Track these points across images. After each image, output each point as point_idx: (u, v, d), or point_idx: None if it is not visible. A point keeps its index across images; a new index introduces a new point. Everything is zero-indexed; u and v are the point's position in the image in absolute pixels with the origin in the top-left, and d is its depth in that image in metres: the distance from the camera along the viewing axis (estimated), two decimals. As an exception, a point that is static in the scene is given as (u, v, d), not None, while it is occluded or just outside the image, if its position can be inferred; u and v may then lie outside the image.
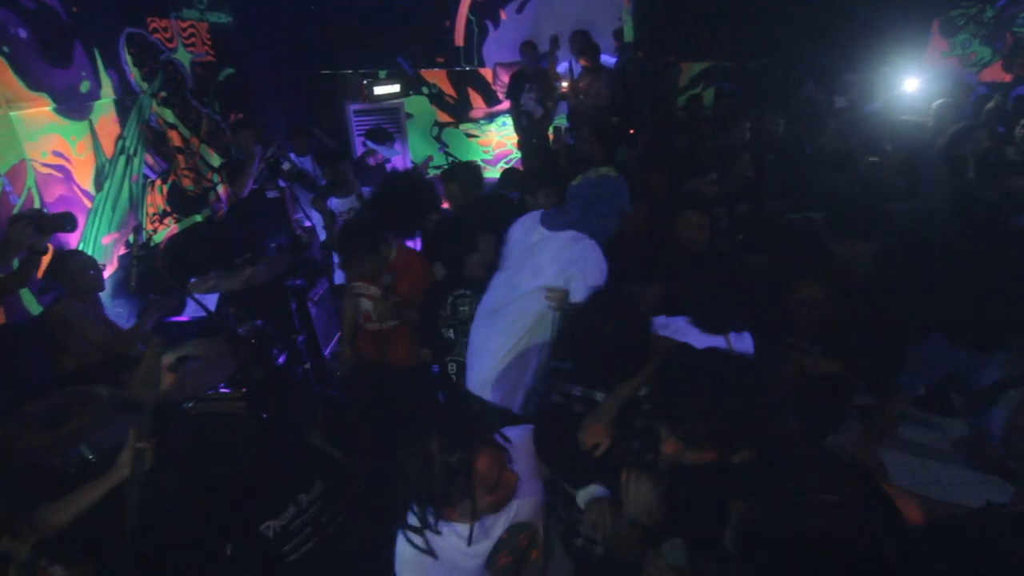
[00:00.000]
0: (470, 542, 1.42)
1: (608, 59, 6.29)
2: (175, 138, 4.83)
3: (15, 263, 2.77)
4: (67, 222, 2.69)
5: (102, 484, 1.79)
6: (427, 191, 3.39)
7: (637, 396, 1.71)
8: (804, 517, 1.03)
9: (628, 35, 6.79)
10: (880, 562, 1.03)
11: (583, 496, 1.55)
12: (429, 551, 1.41)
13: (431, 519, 1.38)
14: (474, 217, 2.89)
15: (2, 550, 1.46)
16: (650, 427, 1.63)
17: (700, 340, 1.88)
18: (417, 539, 1.40)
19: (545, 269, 2.18)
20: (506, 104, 6.71)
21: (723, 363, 1.42)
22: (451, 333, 2.58)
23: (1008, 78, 6.45)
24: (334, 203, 4.24)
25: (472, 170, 3.41)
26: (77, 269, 3.05)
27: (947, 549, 1.09)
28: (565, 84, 6.15)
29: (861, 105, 5.71)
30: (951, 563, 1.07)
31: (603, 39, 6.30)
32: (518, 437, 1.53)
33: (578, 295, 2.11)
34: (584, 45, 5.84)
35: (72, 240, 3.72)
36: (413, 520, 1.40)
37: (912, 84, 5.96)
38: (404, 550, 1.45)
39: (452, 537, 1.44)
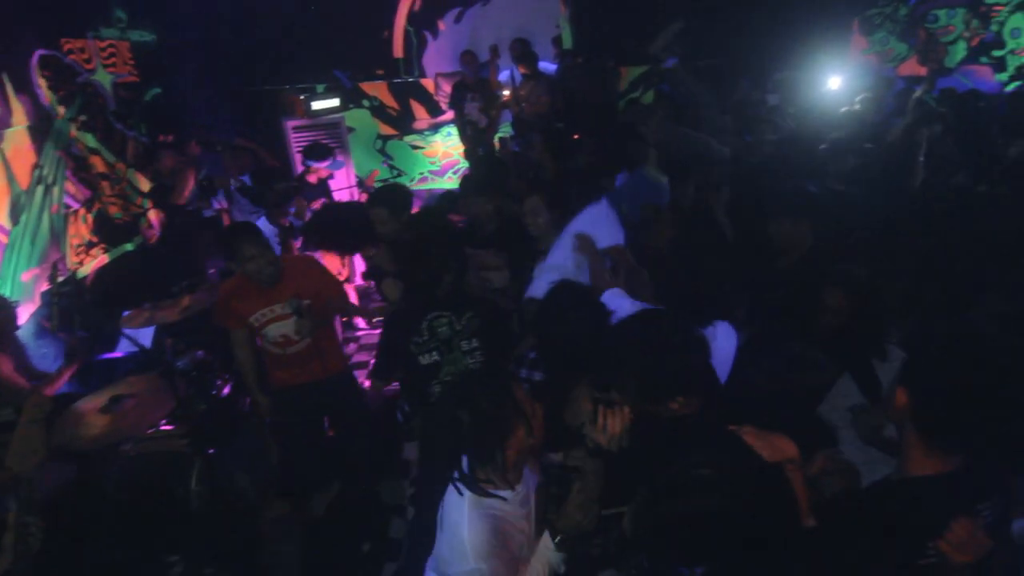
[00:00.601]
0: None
1: (548, 66, 6.34)
2: (98, 164, 4.56)
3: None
4: None
5: None
6: (358, 220, 3.25)
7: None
8: (681, 496, 1.11)
9: (567, 42, 6.86)
10: (763, 531, 1.09)
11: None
12: (492, 493, 1.48)
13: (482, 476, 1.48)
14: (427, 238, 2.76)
15: None
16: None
17: None
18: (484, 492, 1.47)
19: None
20: (450, 114, 6.67)
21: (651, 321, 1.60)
22: (434, 356, 2.38)
23: (923, 71, 6.85)
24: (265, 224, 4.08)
25: (398, 192, 3.20)
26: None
27: (842, 518, 1.20)
28: (507, 92, 6.15)
29: (792, 103, 5.93)
30: (845, 530, 1.17)
31: (542, 46, 6.35)
32: None
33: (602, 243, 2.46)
34: (523, 53, 5.87)
35: (-14, 278, 3.45)
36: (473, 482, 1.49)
37: (835, 82, 6.23)
38: (476, 531, 1.46)
39: (508, 506, 1.52)
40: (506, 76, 6.27)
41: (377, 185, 6.38)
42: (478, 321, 2.36)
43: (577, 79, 6.08)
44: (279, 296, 2.76)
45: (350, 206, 3.74)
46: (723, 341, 1.81)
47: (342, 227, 3.13)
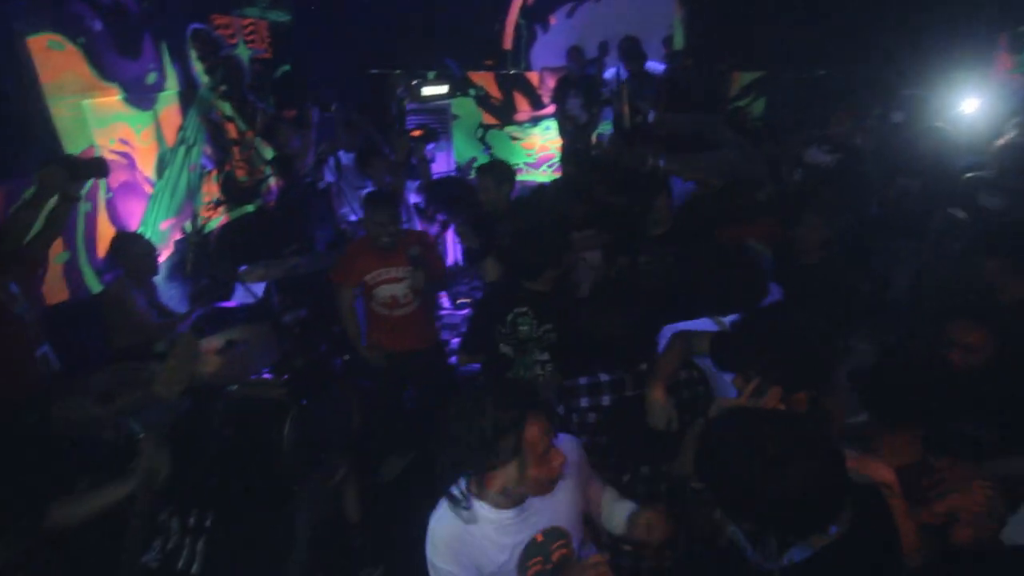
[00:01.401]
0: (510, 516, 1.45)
1: (657, 66, 6.24)
2: (231, 130, 5.02)
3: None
4: (99, 168, 2.67)
5: (115, 492, 1.66)
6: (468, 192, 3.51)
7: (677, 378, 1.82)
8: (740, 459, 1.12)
9: (678, 43, 6.72)
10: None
11: (620, 510, 1.59)
12: (469, 517, 1.40)
13: (472, 487, 1.41)
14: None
15: None
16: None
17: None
18: (458, 508, 1.41)
19: None
20: (551, 108, 6.72)
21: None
22: (509, 350, 2.43)
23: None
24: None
25: (504, 166, 3.54)
26: (137, 252, 3.18)
27: None
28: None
29: (918, 122, 5.50)
30: None
31: (653, 46, 6.25)
32: (562, 443, 1.50)
33: None
34: (631, 50, 5.80)
35: (133, 224, 3.90)
36: (455, 491, 1.43)
37: (972, 103, 5.70)
38: (438, 529, 1.45)
39: (487, 525, 1.42)
40: (612, 74, 6.23)
41: (474, 172, 6.57)
42: (554, 336, 2.32)
43: (686, 82, 5.95)
44: (395, 261, 3.07)
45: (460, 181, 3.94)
46: None
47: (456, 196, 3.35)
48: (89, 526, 1.67)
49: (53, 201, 2.59)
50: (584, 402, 1.88)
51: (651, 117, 5.82)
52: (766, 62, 6.72)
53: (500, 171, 3.42)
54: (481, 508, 1.43)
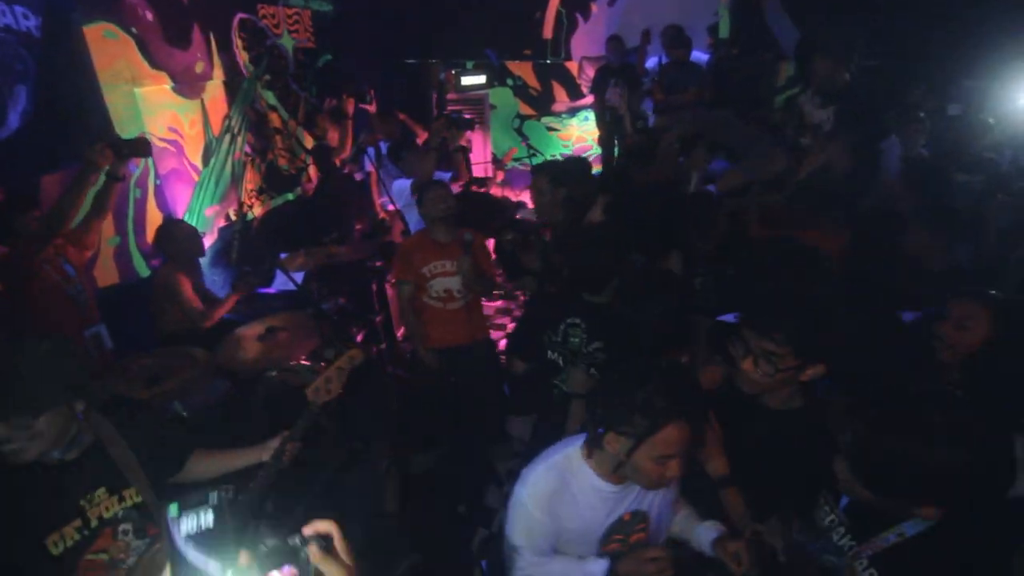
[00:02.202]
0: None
1: (701, 56, 6.07)
2: (275, 120, 5.10)
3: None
4: (142, 147, 2.75)
5: (247, 455, 1.83)
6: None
7: None
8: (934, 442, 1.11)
9: (723, 31, 6.52)
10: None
11: (704, 533, 1.58)
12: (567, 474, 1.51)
13: (585, 450, 1.51)
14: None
15: (81, 504, 1.44)
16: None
17: None
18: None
19: None
20: (589, 99, 6.63)
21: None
22: (557, 358, 2.35)
23: None
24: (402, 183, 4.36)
25: (561, 167, 3.27)
26: (183, 238, 3.27)
27: None
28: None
29: (974, 114, 5.23)
30: None
31: (697, 36, 6.08)
32: None
33: None
34: (676, 37, 5.66)
35: (179, 210, 4.01)
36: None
37: None
38: (543, 481, 1.53)
39: (589, 491, 1.51)
40: (654, 63, 6.09)
41: (512, 163, 6.55)
42: (603, 356, 2.22)
43: (732, 71, 5.78)
44: (451, 253, 3.07)
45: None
46: None
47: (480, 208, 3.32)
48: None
49: (100, 182, 2.68)
50: None
51: (651, 121, 5.68)
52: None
53: (557, 172, 3.12)
54: (587, 473, 1.51)
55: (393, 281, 3.28)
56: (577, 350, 2.26)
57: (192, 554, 0.74)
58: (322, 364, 2.03)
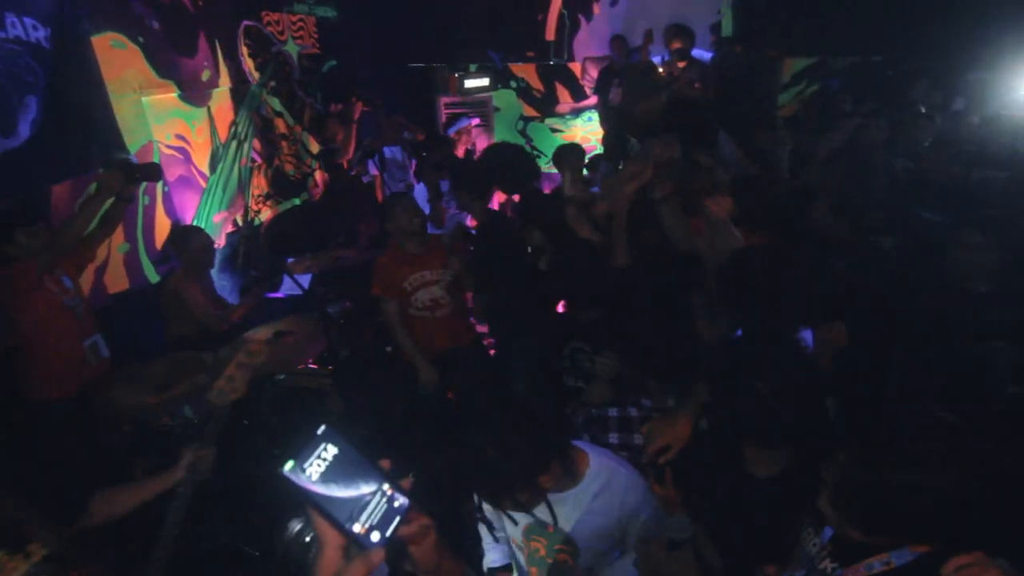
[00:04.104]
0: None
1: (704, 54, 6.06)
2: (281, 125, 5.15)
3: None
4: (153, 172, 2.85)
5: (160, 483, 1.73)
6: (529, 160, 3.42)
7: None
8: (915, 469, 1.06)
9: (726, 29, 6.51)
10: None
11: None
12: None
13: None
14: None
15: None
16: None
17: None
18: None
19: None
20: (593, 99, 6.63)
21: None
22: (575, 382, 2.20)
23: None
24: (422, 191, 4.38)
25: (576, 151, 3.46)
26: (196, 246, 3.31)
27: None
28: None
29: (979, 109, 5.19)
30: None
31: (700, 34, 6.07)
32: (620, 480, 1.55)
33: None
34: (679, 31, 5.66)
35: (187, 216, 4.06)
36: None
37: None
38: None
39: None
40: (657, 62, 6.09)
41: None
42: (614, 366, 2.05)
43: (735, 68, 5.76)
44: (429, 263, 3.04)
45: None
46: None
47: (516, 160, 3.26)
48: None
49: (110, 201, 2.73)
50: (614, 439, 1.76)
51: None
52: (819, 48, 6.45)
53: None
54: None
55: (373, 294, 3.17)
56: (590, 374, 2.12)
57: (332, 490, 0.73)
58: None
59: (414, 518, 0.78)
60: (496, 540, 1.79)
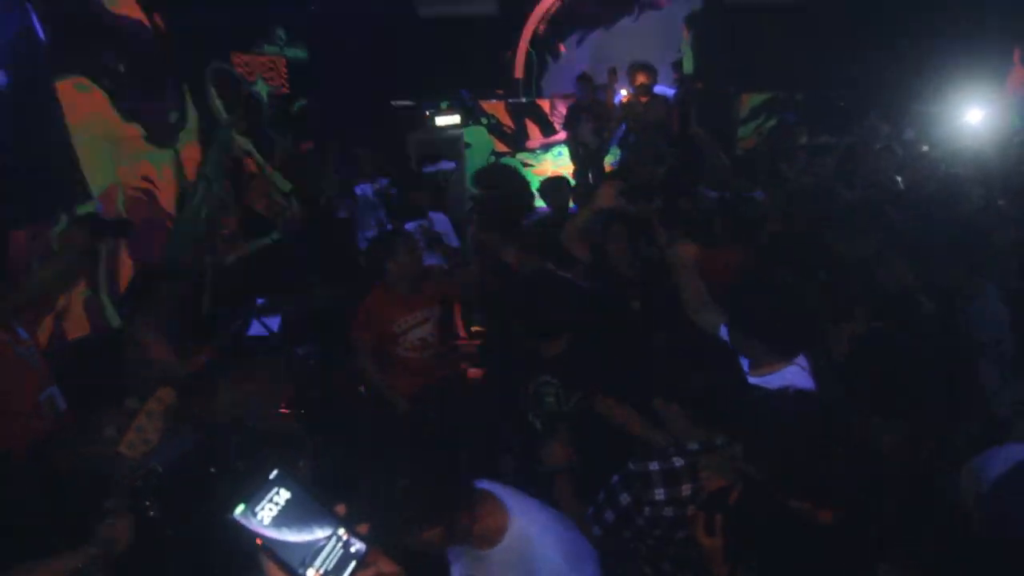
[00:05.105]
0: None
1: (667, 90, 6.29)
2: (250, 164, 5.13)
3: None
4: (122, 228, 2.81)
5: (66, 562, 1.53)
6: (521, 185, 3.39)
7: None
8: None
9: (687, 66, 6.79)
10: None
11: None
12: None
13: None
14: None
15: None
16: None
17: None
18: None
19: None
20: (562, 135, 6.80)
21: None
22: (535, 421, 2.08)
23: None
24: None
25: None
26: (163, 292, 3.24)
27: None
28: (624, 94, 6.15)
29: (928, 138, 5.48)
30: None
31: (662, 72, 6.32)
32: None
33: None
34: (643, 66, 5.87)
35: (152, 259, 3.98)
36: None
37: (976, 115, 5.67)
38: None
39: None
40: (620, 99, 6.30)
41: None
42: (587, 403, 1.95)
43: (697, 104, 5.99)
44: (418, 303, 2.96)
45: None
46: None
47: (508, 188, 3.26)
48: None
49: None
50: (660, 494, 1.59)
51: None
52: (774, 84, 6.75)
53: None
54: None
55: (349, 334, 3.09)
56: (555, 411, 2.01)
57: (285, 534, 0.71)
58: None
59: (374, 562, 0.76)
60: None
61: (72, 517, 2.40)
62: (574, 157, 6.43)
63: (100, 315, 3.59)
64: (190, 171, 4.41)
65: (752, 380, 1.79)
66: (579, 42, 7.04)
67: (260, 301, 3.72)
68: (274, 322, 3.97)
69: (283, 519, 0.72)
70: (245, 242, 4.51)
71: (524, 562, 1.36)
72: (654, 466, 1.59)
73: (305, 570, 0.71)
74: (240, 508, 0.71)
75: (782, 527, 1.32)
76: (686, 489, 1.55)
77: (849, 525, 1.27)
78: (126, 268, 3.76)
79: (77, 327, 3.42)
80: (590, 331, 2.06)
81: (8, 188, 2.94)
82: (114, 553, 1.54)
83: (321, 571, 0.72)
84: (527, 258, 2.79)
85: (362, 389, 3.76)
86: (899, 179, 4.29)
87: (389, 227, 4.45)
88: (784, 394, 1.43)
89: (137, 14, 3.95)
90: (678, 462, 1.59)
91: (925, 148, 5.25)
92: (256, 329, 3.98)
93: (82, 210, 3.32)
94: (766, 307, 1.81)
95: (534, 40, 7.06)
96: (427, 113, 6.27)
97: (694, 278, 2.24)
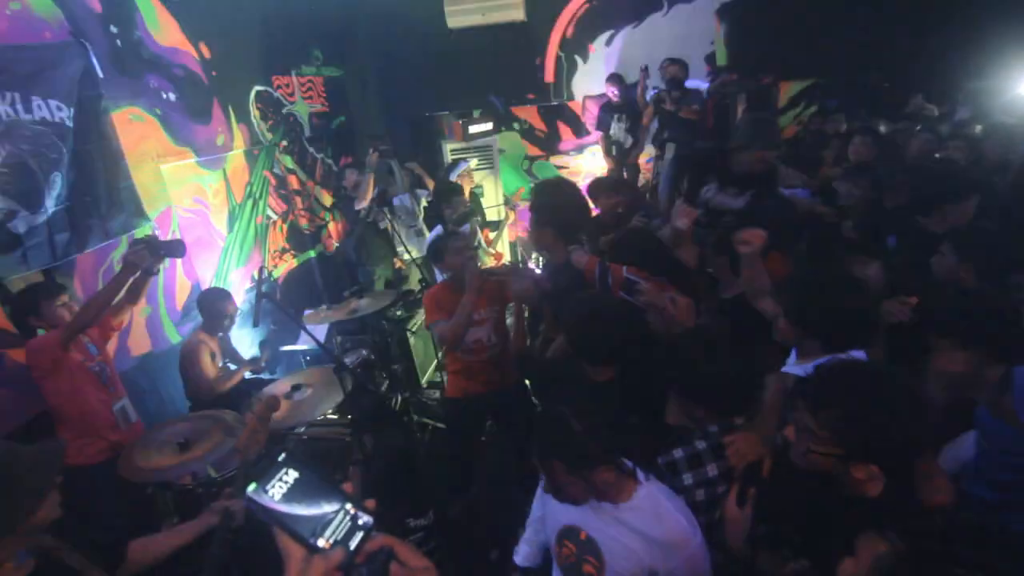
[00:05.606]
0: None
1: (701, 84, 6.18)
2: (294, 182, 5.32)
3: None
4: (177, 248, 2.94)
5: (193, 528, 1.82)
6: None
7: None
8: None
9: (720, 59, 6.65)
10: None
11: None
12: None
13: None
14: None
15: None
16: None
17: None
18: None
19: None
20: (595, 135, 6.76)
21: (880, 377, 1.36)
22: None
23: None
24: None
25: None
26: (219, 308, 3.40)
27: None
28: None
29: (983, 118, 5.19)
30: None
31: (695, 66, 6.21)
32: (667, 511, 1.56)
33: None
34: (673, 64, 5.78)
35: (207, 275, 4.17)
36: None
37: None
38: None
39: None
40: (653, 96, 6.22)
41: (524, 201, 6.68)
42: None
43: (732, 96, 5.86)
44: (479, 304, 2.92)
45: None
46: None
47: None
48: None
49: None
50: (688, 479, 1.67)
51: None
52: (811, 71, 6.54)
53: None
54: None
55: (426, 327, 3.15)
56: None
57: (296, 509, 0.76)
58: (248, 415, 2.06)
59: (403, 558, 0.80)
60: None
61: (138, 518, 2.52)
62: (608, 156, 6.39)
63: (160, 333, 3.78)
64: (237, 191, 4.60)
65: (789, 369, 1.83)
66: (608, 41, 7.00)
67: (306, 312, 3.85)
68: (321, 331, 4.09)
69: (293, 495, 0.77)
70: (291, 256, 4.67)
71: (656, 514, 1.53)
72: (678, 453, 1.69)
73: (316, 540, 0.75)
74: (252, 486, 0.77)
75: (816, 499, 1.35)
76: (711, 470, 1.65)
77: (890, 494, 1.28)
78: (183, 287, 3.95)
79: (140, 343, 3.61)
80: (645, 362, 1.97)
81: (73, 215, 3.14)
82: (231, 526, 1.74)
83: (331, 541, 0.76)
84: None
85: (405, 395, 3.83)
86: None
87: (431, 235, 4.52)
88: (840, 364, 1.43)
89: (184, 45, 4.16)
90: (700, 445, 1.68)
91: (979, 128, 4.98)
92: (304, 339, 4.12)
93: (140, 232, 3.51)
94: (819, 303, 1.78)
95: (563, 43, 7.06)
96: (460, 122, 6.34)
97: (757, 263, 2.25)
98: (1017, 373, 1.70)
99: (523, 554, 1.97)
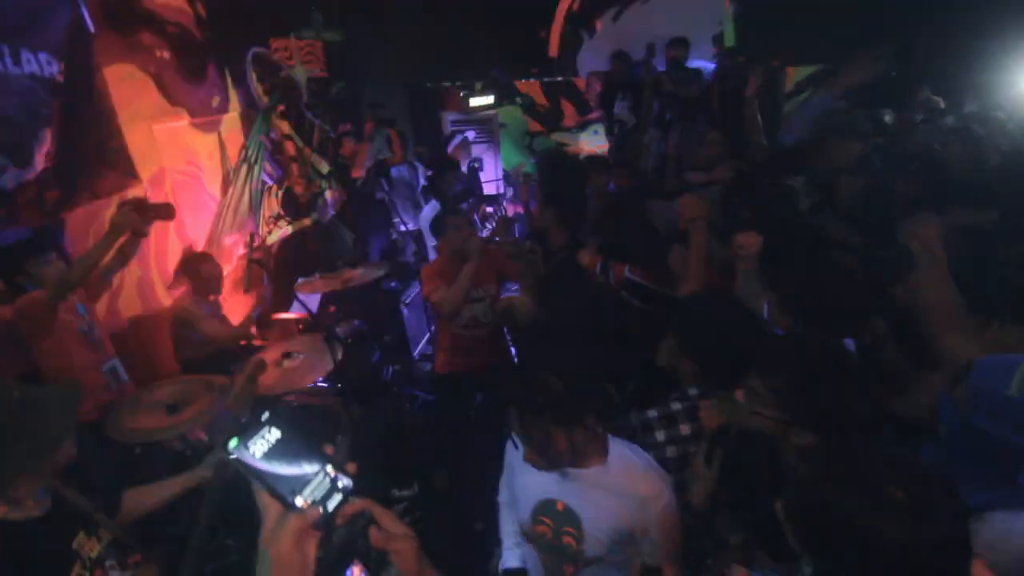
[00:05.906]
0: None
1: (706, 65, 6.08)
2: (290, 148, 5.24)
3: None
4: (166, 211, 2.95)
5: (184, 481, 1.87)
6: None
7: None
8: (874, 510, 0.95)
9: (728, 40, 6.54)
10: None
11: None
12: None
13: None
14: None
15: (74, 547, 1.47)
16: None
17: None
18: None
19: None
20: (598, 113, 6.68)
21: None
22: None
23: None
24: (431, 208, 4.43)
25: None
26: (208, 272, 3.37)
27: None
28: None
29: (991, 108, 5.14)
30: None
31: (701, 46, 6.11)
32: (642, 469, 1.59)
33: None
34: (672, 42, 5.70)
35: (199, 240, 4.13)
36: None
37: None
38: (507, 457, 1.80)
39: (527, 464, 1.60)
40: (651, 78, 6.12)
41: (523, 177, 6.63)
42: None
43: (738, 79, 5.77)
44: (475, 279, 2.95)
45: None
46: None
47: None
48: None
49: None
50: (661, 436, 1.76)
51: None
52: (820, 57, 6.45)
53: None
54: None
55: (424, 297, 3.14)
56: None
57: (276, 466, 0.77)
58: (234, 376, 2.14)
59: (358, 503, 0.81)
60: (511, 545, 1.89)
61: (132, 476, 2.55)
62: (610, 135, 6.32)
63: (151, 295, 3.76)
64: (232, 154, 4.54)
65: None
66: (615, 17, 6.86)
67: (299, 280, 3.83)
68: (313, 300, 4.08)
69: (274, 454, 0.78)
70: (285, 223, 4.63)
71: (628, 468, 1.57)
72: (652, 413, 1.79)
73: (294, 498, 0.76)
74: (234, 442, 0.77)
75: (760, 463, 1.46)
76: (684, 429, 1.74)
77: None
78: (174, 251, 3.92)
79: (130, 305, 3.59)
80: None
81: (63, 173, 3.09)
82: (225, 480, 1.75)
83: (309, 500, 0.77)
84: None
85: (396, 367, 3.84)
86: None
87: (427, 208, 4.49)
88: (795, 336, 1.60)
89: (180, 2, 4.05)
90: (676, 406, 1.78)
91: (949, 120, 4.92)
92: (296, 307, 4.11)
93: (132, 193, 3.46)
94: (810, 290, 1.81)
95: (569, 17, 6.92)
96: (461, 94, 6.25)
97: (753, 267, 2.22)
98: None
99: (517, 555, 1.89)
